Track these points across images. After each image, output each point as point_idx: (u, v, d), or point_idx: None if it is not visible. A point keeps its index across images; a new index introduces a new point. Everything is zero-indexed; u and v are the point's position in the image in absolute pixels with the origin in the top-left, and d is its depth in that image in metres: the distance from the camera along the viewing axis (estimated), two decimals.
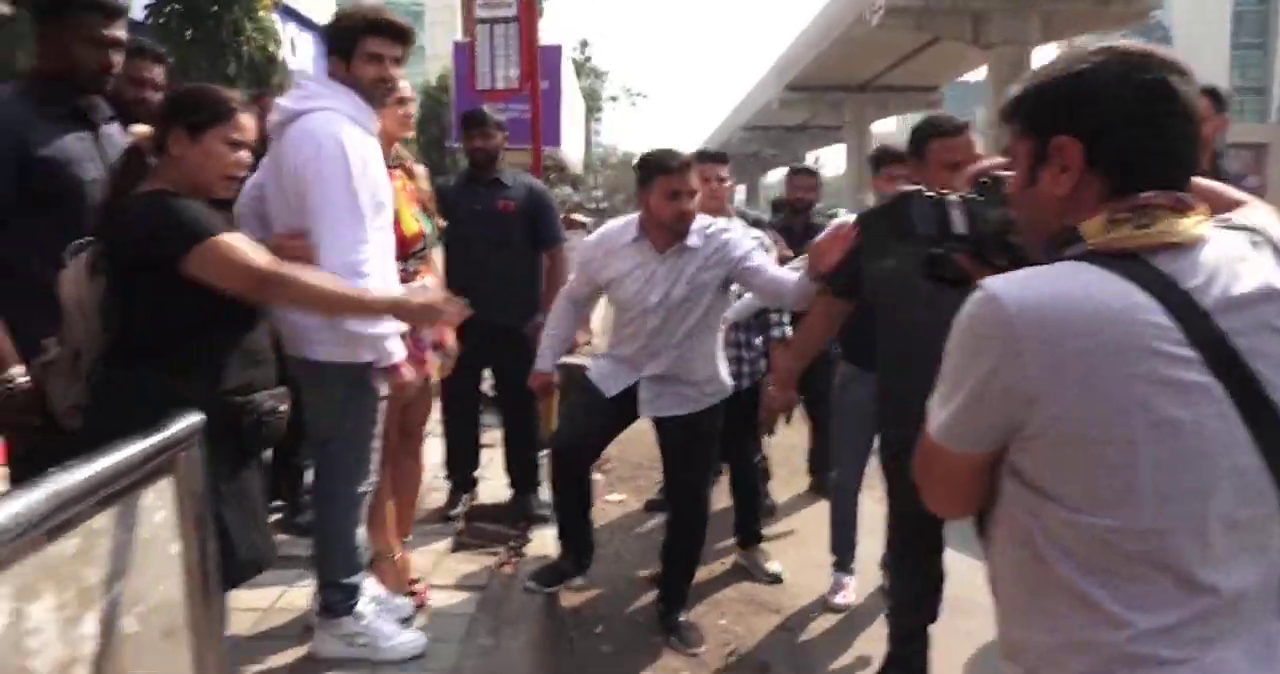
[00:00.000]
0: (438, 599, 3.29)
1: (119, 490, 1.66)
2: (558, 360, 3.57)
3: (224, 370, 2.11)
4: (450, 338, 3.32)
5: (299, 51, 17.71)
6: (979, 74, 44.31)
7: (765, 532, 4.28)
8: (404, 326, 2.71)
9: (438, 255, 3.54)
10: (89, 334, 2.08)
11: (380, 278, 2.58)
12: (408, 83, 2.97)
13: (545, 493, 4.35)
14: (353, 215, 2.51)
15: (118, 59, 2.56)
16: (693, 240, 3.19)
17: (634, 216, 3.31)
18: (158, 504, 1.83)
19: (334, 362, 2.63)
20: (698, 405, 3.34)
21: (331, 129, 2.53)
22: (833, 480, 4.05)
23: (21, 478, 2.52)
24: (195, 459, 1.94)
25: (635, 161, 3.32)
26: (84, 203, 2.39)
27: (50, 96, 2.47)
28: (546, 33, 24.76)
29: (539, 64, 6.23)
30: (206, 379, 2.07)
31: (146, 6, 8.85)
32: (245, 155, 2.20)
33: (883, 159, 3.67)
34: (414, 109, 3.10)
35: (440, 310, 2.52)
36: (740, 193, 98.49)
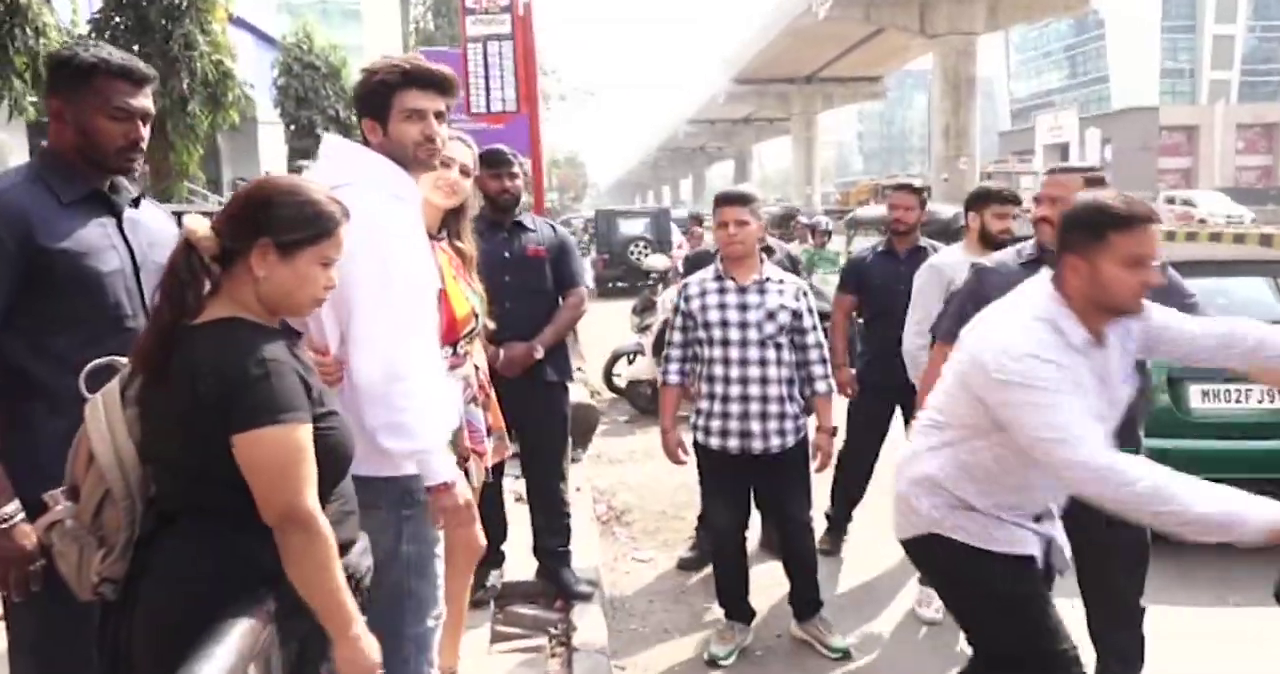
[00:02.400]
0: None
1: None
2: None
3: None
4: (500, 419, 2.93)
5: (242, 58, 17.07)
6: (921, 62, 44.63)
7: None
8: (447, 439, 2.33)
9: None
10: (128, 488, 1.66)
11: (422, 376, 2.19)
12: (456, 144, 2.57)
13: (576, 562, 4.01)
14: (391, 310, 2.13)
15: (145, 133, 2.16)
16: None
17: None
18: None
19: (380, 477, 2.22)
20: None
21: (365, 207, 2.08)
22: None
23: (18, 635, 2.09)
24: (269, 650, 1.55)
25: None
26: (103, 298, 2.06)
27: (67, 178, 2.08)
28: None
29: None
30: None
31: (90, 20, 8.25)
32: (337, 275, 1.80)
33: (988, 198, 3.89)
34: (457, 175, 2.69)
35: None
36: (685, 189, 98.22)
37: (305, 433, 1.60)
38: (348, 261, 2.09)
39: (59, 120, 2.11)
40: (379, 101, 2.25)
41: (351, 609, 1.66)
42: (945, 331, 3.09)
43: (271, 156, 19.21)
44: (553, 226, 3.99)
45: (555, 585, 3.88)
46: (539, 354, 3.70)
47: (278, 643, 1.55)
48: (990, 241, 3.83)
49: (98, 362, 1.78)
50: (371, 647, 1.70)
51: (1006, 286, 2.83)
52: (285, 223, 1.66)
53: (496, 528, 3.93)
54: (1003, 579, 2.24)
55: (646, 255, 16.27)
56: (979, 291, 2.98)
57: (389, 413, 2.11)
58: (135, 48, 8.39)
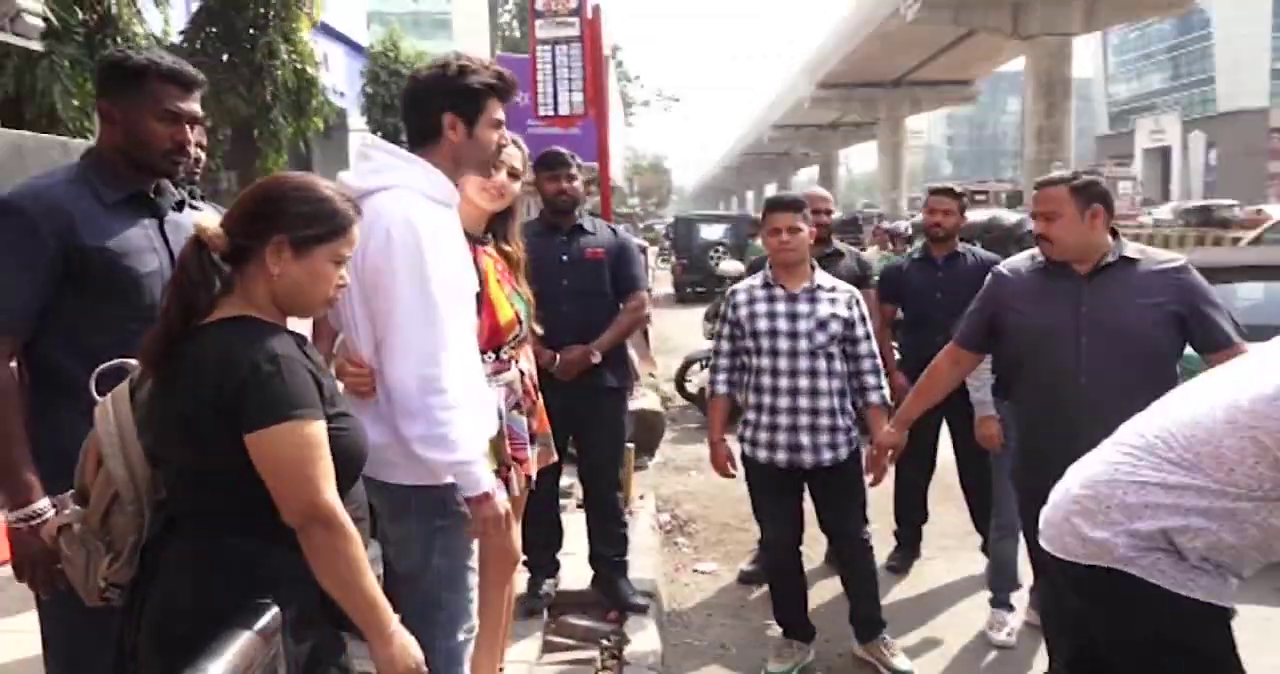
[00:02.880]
0: None
1: None
2: None
3: None
4: (546, 425, 2.86)
5: (332, 66, 17.45)
6: (1014, 64, 43.53)
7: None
8: (485, 448, 2.26)
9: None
10: (136, 492, 1.64)
11: (461, 387, 2.13)
12: (513, 149, 2.55)
13: (633, 572, 3.93)
14: (429, 319, 2.06)
15: (193, 137, 2.17)
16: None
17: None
18: None
19: (413, 486, 2.18)
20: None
21: (403, 211, 2.08)
22: (996, 521, 3.88)
23: (47, 632, 2.10)
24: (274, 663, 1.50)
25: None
26: (140, 298, 2.07)
27: (111, 180, 2.09)
28: None
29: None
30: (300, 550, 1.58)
31: (182, 32, 8.52)
32: (350, 275, 1.78)
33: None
34: (505, 178, 2.65)
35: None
36: (770, 194, 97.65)
37: (320, 429, 1.56)
38: (386, 273, 2.06)
39: (108, 121, 2.12)
40: (475, 103, 2.22)
41: (386, 606, 1.62)
42: (962, 334, 3.12)
43: None
44: (613, 229, 3.93)
45: (610, 595, 3.81)
46: (596, 359, 3.64)
47: (284, 654, 1.51)
48: None
49: (108, 364, 1.77)
50: (411, 644, 1.66)
51: (1021, 292, 2.94)
52: (300, 219, 1.62)
53: (551, 535, 3.88)
54: (1200, 632, 1.87)
55: (723, 260, 16.12)
56: (997, 297, 3.02)
57: (428, 426, 2.05)
58: (224, 57, 8.64)
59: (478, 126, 2.21)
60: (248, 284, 1.63)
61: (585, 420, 3.72)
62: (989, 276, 3.12)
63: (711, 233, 20.03)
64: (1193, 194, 46.74)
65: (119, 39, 6.50)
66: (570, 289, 3.64)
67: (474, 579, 2.31)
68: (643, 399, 6.39)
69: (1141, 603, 1.86)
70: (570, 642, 3.55)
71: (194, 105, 2.15)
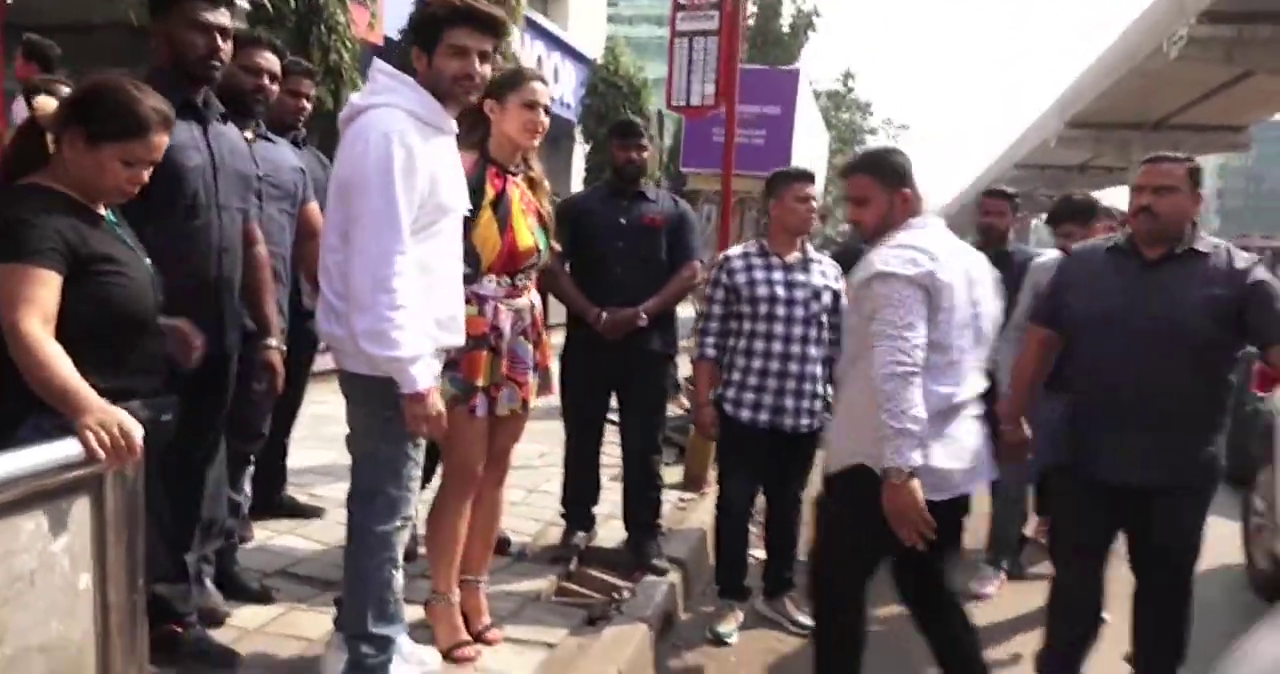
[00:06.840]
0: (496, 655, 2.95)
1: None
2: None
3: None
4: (548, 360, 3.05)
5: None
6: None
7: None
8: (436, 347, 2.45)
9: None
10: None
11: (416, 294, 2.32)
12: (542, 85, 2.78)
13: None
14: (390, 224, 2.29)
15: (224, 46, 2.53)
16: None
17: None
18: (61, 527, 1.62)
19: (364, 374, 2.40)
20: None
21: (384, 126, 2.31)
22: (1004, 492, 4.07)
23: None
24: (130, 476, 1.73)
25: None
26: (185, 188, 2.44)
27: (161, 89, 2.38)
28: (808, 63, 24.17)
29: (775, 88, 5.92)
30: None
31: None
32: (145, 174, 2.05)
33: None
34: (543, 117, 2.83)
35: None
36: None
37: (30, 271, 1.81)
38: (358, 178, 2.30)
39: (154, 37, 2.52)
40: (429, 33, 2.43)
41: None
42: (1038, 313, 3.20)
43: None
44: (675, 200, 4.06)
45: (636, 554, 3.89)
46: (643, 321, 3.74)
47: None
48: None
49: None
50: (113, 410, 1.76)
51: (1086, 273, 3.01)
52: (98, 116, 1.93)
53: (588, 492, 4.03)
54: None
55: None
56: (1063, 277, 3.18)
57: (373, 321, 2.27)
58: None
59: (436, 56, 2.40)
60: (55, 162, 1.95)
61: (627, 382, 3.85)
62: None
63: None
64: None
65: (324, 27, 7.19)
66: (624, 252, 3.78)
67: (415, 472, 2.49)
68: None
69: None
70: (582, 590, 3.65)
71: (220, 18, 2.50)
